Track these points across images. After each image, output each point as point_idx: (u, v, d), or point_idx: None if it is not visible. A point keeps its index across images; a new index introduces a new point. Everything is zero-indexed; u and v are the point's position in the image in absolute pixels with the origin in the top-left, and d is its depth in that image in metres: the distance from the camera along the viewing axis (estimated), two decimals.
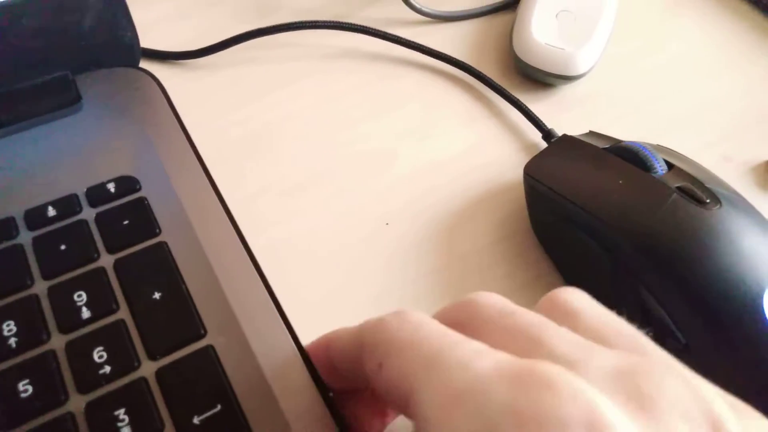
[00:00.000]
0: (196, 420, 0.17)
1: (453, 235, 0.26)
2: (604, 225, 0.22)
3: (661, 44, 0.35)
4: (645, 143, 0.25)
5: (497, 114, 0.31)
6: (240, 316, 0.20)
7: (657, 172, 0.23)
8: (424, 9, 0.34)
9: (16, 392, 0.17)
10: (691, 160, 0.25)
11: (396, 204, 0.27)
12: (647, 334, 0.15)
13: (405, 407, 0.14)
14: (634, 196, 0.22)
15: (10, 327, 0.19)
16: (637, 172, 0.23)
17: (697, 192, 0.22)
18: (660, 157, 0.24)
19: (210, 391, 0.18)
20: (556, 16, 0.32)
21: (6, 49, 0.25)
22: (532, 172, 0.25)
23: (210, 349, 0.19)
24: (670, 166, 0.24)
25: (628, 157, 0.24)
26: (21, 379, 0.18)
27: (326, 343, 0.18)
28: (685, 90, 0.32)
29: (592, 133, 0.27)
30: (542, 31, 0.31)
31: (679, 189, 0.22)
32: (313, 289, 0.25)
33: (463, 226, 0.27)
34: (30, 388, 0.18)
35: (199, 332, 0.19)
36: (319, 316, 0.23)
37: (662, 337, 0.21)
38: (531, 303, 0.24)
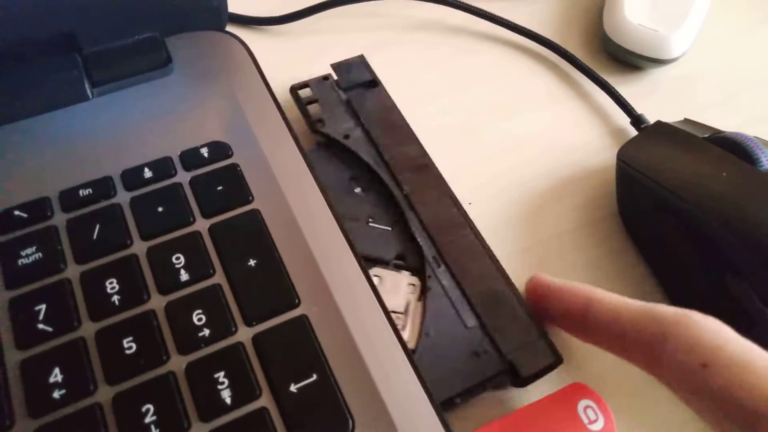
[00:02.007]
0: (293, 388, 0.18)
1: (536, 218, 0.26)
2: (706, 217, 0.21)
3: (758, 27, 0.33)
4: (748, 134, 0.24)
5: (583, 95, 0.30)
6: (333, 287, 0.20)
7: (763, 165, 0.22)
8: None
9: (122, 348, 0.18)
10: None
11: (478, 182, 0.27)
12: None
13: (732, 423, 0.15)
14: (740, 189, 0.21)
15: (112, 285, 0.19)
16: (742, 165, 0.22)
17: None
18: (766, 150, 0.23)
19: (305, 361, 0.18)
20: None
21: (98, 6, 0.25)
22: (626, 158, 0.24)
23: (304, 318, 0.19)
24: None
25: (730, 147, 0.23)
26: (125, 336, 0.18)
27: (587, 297, 0.20)
28: None
29: (687, 121, 0.26)
30: (635, 11, 0.30)
31: None
32: None
33: (546, 209, 0.26)
34: (134, 346, 0.18)
35: (294, 301, 0.19)
36: None
37: (762, 335, 0.20)
38: (616, 292, 0.23)
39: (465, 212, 0.24)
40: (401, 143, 0.26)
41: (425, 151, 0.26)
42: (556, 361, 0.20)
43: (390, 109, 0.27)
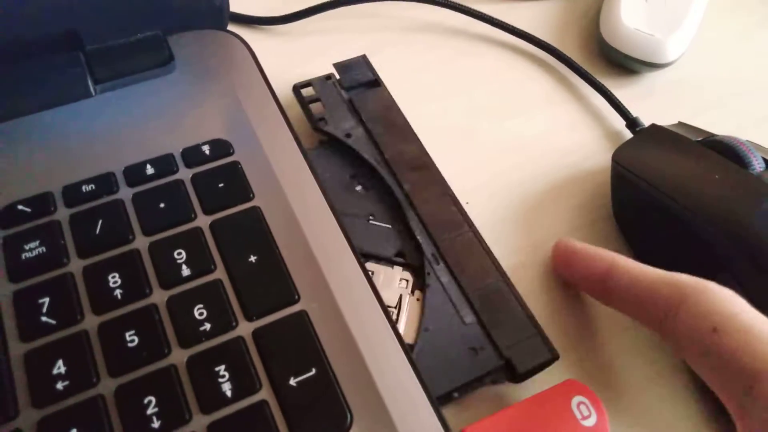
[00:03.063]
0: (292, 381, 0.18)
1: (531, 219, 0.26)
2: (699, 219, 0.22)
3: (752, 32, 0.33)
4: (741, 138, 0.24)
5: (579, 98, 0.30)
6: (332, 283, 0.20)
7: (754, 169, 0.23)
8: None
9: (124, 341, 0.18)
10: None
11: (476, 182, 0.27)
12: None
13: (734, 383, 0.16)
14: (732, 192, 0.22)
15: (115, 279, 0.19)
16: (734, 168, 0.23)
17: None
18: (758, 154, 0.23)
19: (304, 355, 0.19)
20: (646, 0, 0.31)
21: (101, 4, 0.25)
22: (621, 160, 0.25)
23: (304, 314, 0.19)
24: (767, 163, 0.23)
25: (723, 151, 0.23)
26: (127, 330, 0.18)
27: (610, 262, 0.21)
28: None
29: (681, 124, 0.27)
30: (631, 16, 0.31)
31: None
32: None
33: (542, 210, 0.26)
34: (136, 339, 0.18)
35: (293, 297, 0.20)
36: None
37: None
38: None
39: (464, 211, 0.24)
40: (402, 142, 0.26)
41: (425, 150, 0.26)
42: (552, 357, 0.21)
43: (391, 109, 0.27)
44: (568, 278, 0.24)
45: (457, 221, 0.24)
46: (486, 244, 0.23)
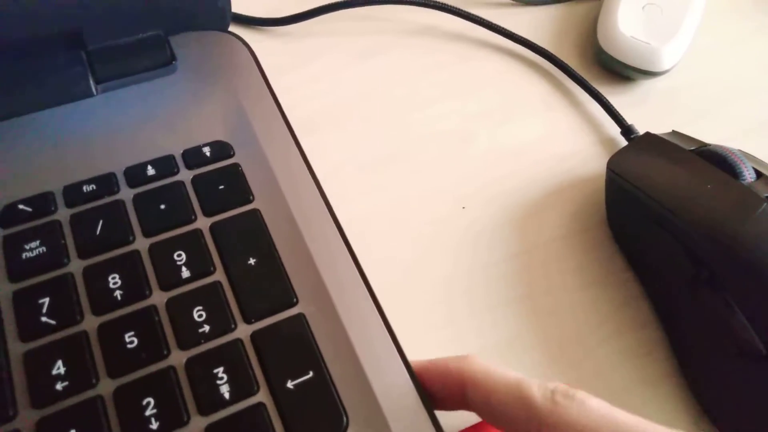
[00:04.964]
0: (289, 384, 0.18)
1: (527, 224, 0.27)
2: (690, 228, 0.22)
3: (747, 41, 0.34)
4: (732, 148, 0.25)
5: (575, 104, 0.31)
6: (330, 286, 0.20)
7: (745, 179, 0.23)
8: None
9: (124, 342, 0.18)
10: None
11: (472, 187, 0.27)
12: None
13: None
14: (723, 201, 0.22)
15: (115, 280, 0.20)
16: (726, 178, 0.23)
17: None
18: (749, 164, 0.24)
19: (302, 358, 0.19)
20: (643, 8, 0.32)
21: (103, 4, 0.25)
22: (616, 168, 0.25)
23: (302, 317, 0.20)
24: (758, 174, 0.24)
25: (715, 161, 0.24)
26: (127, 331, 0.19)
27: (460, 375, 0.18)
28: None
29: (675, 133, 0.27)
30: (628, 24, 0.31)
31: None
32: (386, 267, 0.25)
33: (537, 216, 0.27)
34: (135, 340, 0.18)
35: (292, 300, 0.20)
36: (390, 294, 0.24)
37: (742, 345, 0.21)
38: (601, 300, 0.24)
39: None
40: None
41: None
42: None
43: None
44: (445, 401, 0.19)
45: None
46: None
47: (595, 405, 0.16)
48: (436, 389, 0.19)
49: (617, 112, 0.29)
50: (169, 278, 0.20)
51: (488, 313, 0.24)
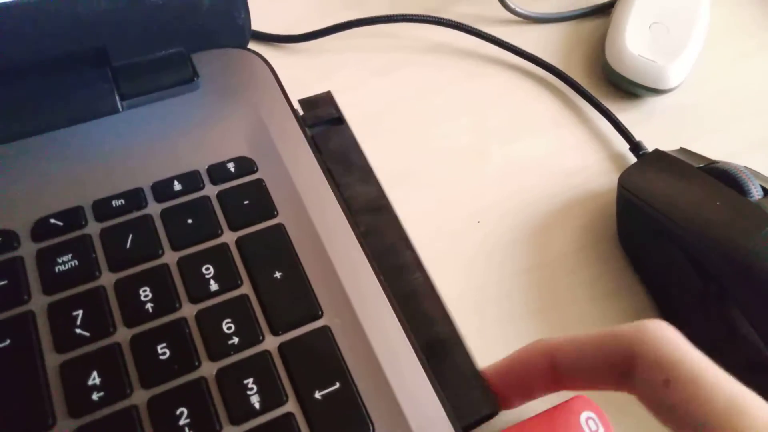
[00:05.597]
0: (317, 395, 0.19)
1: (539, 239, 0.27)
2: (700, 244, 0.23)
3: (751, 58, 0.35)
4: (739, 165, 0.25)
5: (584, 121, 0.32)
6: (353, 299, 0.21)
7: (753, 196, 0.24)
8: (517, 9, 0.34)
9: (156, 354, 0.19)
10: None
11: (486, 202, 0.28)
12: None
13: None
14: (732, 218, 0.23)
15: (146, 293, 0.20)
16: (734, 195, 0.24)
17: None
18: (756, 181, 0.24)
19: (328, 370, 0.19)
20: (650, 27, 0.33)
21: (127, 22, 0.26)
22: (627, 184, 0.26)
23: (327, 329, 0.20)
24: (765, 191, 0.24)
25: (723, 177, 0.25)
26: (159, 342, 0.19)
27: (545, 350, 0.19)
28: None
29: (683, 150, 0.28)
30: (636, 42, 0.32)
31: None
32: None
33: (549, 231, 0.27)
34: (167, 352, 0.19)
35: (317, 313, 0.20)
36: None
37: (751, 358, 0.22)
38: (612, 313, 0.25)
39: (417, 255, 0.24)
40: (360, 183, 0.26)
41: (384, 193, 0.25)
42: (492, 412, 0.20)
43: (352, 149, 0.27)
44: (515, 398, 0.20)
45: (409, 266, 0.24)
46: (437, 290, 0.23)
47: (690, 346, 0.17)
48: (526, 377, 0.19)
49: (626, 128, 0.30)
50: (198, 291, 0.20)
51: (504, 326, 0.25)
